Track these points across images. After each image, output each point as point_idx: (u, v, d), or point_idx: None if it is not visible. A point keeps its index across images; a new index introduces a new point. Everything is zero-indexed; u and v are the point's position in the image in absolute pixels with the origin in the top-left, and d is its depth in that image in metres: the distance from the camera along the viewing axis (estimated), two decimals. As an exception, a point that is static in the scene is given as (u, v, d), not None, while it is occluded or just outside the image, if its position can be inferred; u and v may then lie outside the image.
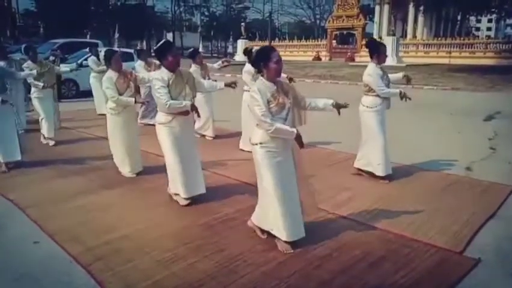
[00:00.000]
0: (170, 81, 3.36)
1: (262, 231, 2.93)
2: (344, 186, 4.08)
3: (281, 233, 2.73)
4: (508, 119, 7.99)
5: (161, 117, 3.46)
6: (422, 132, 6.80)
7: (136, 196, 3.85)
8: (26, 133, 6.35)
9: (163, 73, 3.39)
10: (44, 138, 5.94)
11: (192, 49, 6.59)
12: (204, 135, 6.21)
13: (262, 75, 2.70)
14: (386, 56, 4.24)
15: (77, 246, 2.80)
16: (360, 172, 4.42)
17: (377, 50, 4.11)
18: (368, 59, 4.27)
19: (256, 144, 2.68)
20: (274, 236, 2.83)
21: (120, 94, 4.16)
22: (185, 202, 3.57)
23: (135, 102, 4.23)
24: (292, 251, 2.74)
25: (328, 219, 3.30)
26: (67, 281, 2.43)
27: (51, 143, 5.86)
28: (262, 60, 2.65)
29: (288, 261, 2.62)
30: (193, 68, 5.92)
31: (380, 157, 4.19)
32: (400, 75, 4.39)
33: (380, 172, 4.21)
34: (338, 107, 2.85)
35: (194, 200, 3.61)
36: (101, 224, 3.20)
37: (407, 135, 6.38)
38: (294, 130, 2.61)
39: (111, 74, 4.21)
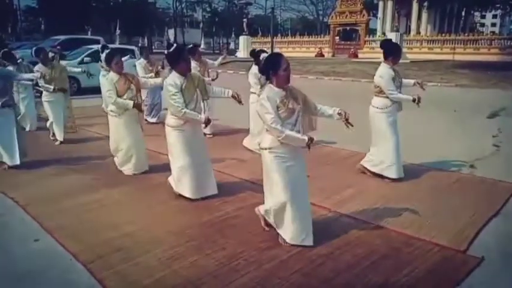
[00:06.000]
0: (183, 86, 3.42)
1: (267, 223, 2.96)
2: (346, 184, 4.05)
3: (287, 235, 2.77)
4: (512, 116, 7.92)
5: (172, 120, 3.50)
6: (425, 130, 6.75)
7: (137, 194, 3.84)
8: (35, 131, 6.41)
9: (175, 77, 3.43)
10: (53, 135, 5.91)
11: (190, 45, 6.60)
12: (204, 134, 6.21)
13: (270, 82, 2.68)
14: (400, 58, 4.17)
15: (77, 244, 2.79)
16: (365, 171, 4.36)
17: (393, 53, 4.06)
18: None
19: (266, 149, 2.71)
20: (275, 232, 2.85)
21: (120, 96, 4.14)
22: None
23: (133, 106, 4.10)
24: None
25: (330, 218, 3.28)
26: (67, 279, 2.42)
27: (57, 142, 5.85)
28: (271, 69, 2.65)
29: (290, 260, 2.61)
30: (192, 65, 5.92)
31: (392, 159, 4.10)
32: (411, 82, 4.28)
33: (392, 174, 4.12)
34: (345, 118, 2.81)
35: (196, 199, 3.62)
36: (102, 222, 3.19)
37: (409, 133, 6.31)
38: (305, 137, 2.60)
39: (112, 75, 4.23)
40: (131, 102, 4.10)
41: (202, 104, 3.58)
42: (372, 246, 2.79)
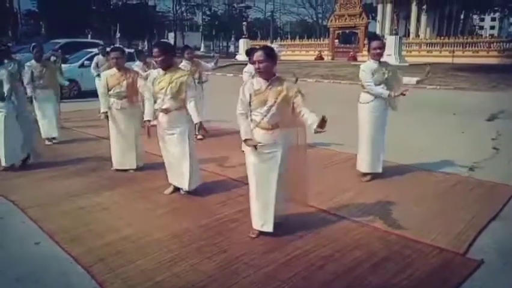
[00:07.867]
0: (155, 79, 3.63)
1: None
2: (346, 187, 4.06)
3: (253, 219, 2.95)
4: (511, 119, 7.94)
5: None
6: (425, 133, 6.76)
7: (137, 197, 3.84)
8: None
9: (156, 71, 3.72)
10: (49, 139, 5.97)
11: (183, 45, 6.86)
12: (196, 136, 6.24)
13: None
14: (379, 50, 3.96)
15: (78, 247, 2.80)
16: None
17: (369, 47, 4.10)
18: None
19: None
20: (275, 234, 2.89)
21: (109, 89, 4.30)
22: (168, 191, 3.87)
23: (104, 115, 4.37)
24: (254, 236, 2.93)
25: (330, 220, 3.29)
26: (67, 282, 2.43)
27: (47, 142, 5.91)
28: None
29: (289, 263, 2.61)
30: (183, 63, 6.12)
31: (365, 153, 4.18)
32: (413, 80, 4.33)
33: (362, 168, 4.22)
34: (320, 126, 2.52)
35: (195, 201, 3.66)
36: (102, 224, 3.20)
37: (409, 136, 6.35)
38: (247, 136, 2.77)
39: (111, 70, 4.42)
40: (105, 108, 4.33)
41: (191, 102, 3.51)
42: (372, 249, 2.80)
